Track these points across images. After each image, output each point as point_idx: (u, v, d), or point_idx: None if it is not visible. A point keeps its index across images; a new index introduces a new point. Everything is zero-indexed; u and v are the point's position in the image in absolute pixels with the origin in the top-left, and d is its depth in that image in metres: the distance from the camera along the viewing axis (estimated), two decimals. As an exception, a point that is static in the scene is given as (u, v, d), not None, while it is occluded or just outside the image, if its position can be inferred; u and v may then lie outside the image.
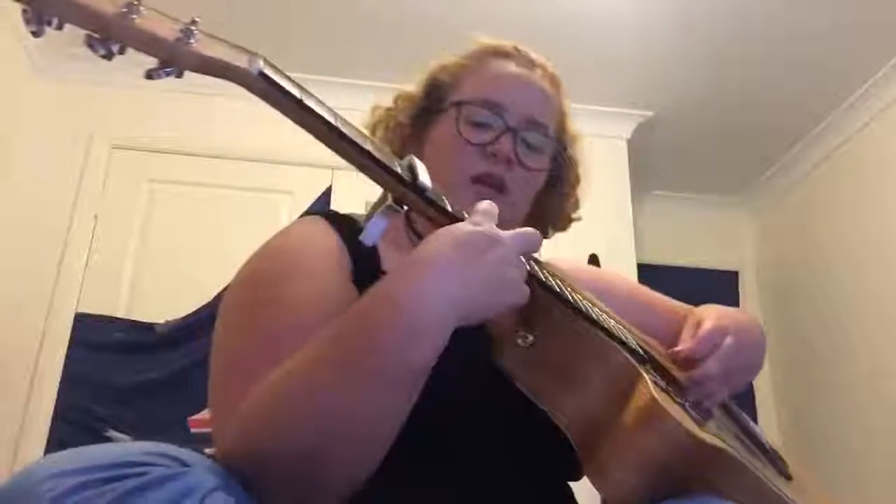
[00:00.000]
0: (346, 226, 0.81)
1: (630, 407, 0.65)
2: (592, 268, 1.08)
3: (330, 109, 0.57)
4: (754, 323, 0.92)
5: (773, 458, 0.87)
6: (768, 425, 3.59)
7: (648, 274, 2.97)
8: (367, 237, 0.62)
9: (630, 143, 3.36)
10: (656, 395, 0.64)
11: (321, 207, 2.63)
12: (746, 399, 3.54)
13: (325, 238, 0.78)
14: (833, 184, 3.38)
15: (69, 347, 2.61)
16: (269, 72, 0.53)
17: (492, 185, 0.84)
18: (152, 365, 2.53)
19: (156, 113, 2.97)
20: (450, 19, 2.62)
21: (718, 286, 3.74)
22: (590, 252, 3.00)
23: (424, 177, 0.62)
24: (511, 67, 0.92)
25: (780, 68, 2.99)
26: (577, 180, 0.98)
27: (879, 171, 3.08)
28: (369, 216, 0.62)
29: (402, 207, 0.63)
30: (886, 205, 3.02)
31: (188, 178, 2.93)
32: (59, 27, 0.46)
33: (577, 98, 3.74)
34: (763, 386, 3.68)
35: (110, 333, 2.63)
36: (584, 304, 0.72)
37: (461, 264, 0.60)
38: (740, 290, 3.89)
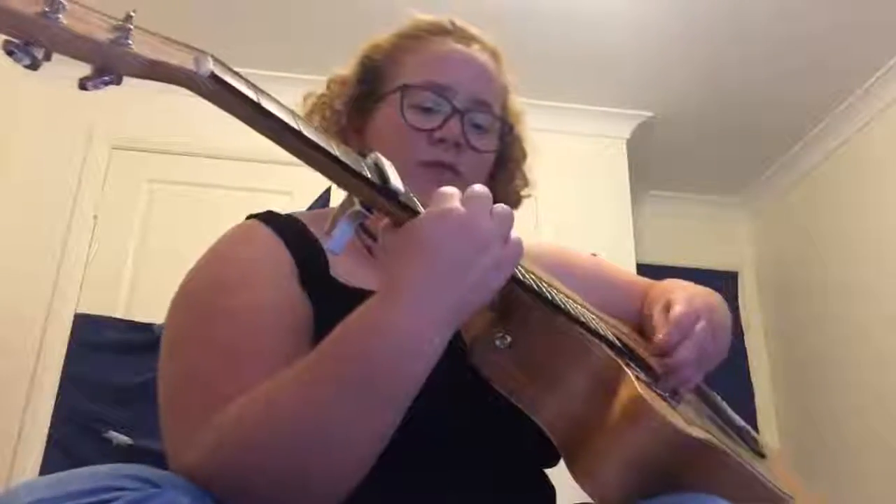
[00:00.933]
0: (288, 227, 0.79)
1: (615, 405, 0.64)
2: (552, 246, 1.02)
3: (289, 110, 0.53)
4: (720, 301, 0.90)
5: (745, 435, 0.86)
6: (768, 424, 3.59)
7: (648, 274, 2.96)
8: (335, 246, 0.58)
9: (630, 143, 3.36)
10: (642, 392, 0.63)
11: (321, 207, 2.62)
12: (746, 398, 3.54)
13: (269, 242, 0.76)
14: (833, 184, 3.37)
15: (69, 347, 2.61)
16: (220, 72, 0.48)
17: (442, 168, 0.82)
18: (152, 365, 2.48)
19: (156, 113, 2.97)
20: (443, 17, 2.62)
21: (718, 286, 3.71)
22: (590, 252, 3.00)
23: (396, 179, 0.58)
24: (451, 45, 0.87)
25: (779, 69, 2.99)
26: (523, 156, 0.95)
27: (879, 171, 3.08)
28: (334, 222, 0.58)
29: (371, 212, 0.58)
30: (886, 205, 3.02)
31: (188, 178, 2.93)
32: None
33: (577, 98, 3.73)
34: (763, 385, 3.68)
35: (110, 333, 2.63)
36: (562, 300, 0.70)
37: (447, 274, 0.57)
38: (740, 290, 3.88)
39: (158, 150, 2.96)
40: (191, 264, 0.79)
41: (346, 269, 0.77)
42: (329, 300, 0.73)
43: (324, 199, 2.85)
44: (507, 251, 0.60)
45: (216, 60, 0.48)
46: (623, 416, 0.63)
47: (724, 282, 3.83)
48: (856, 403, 3.09)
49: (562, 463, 0.69)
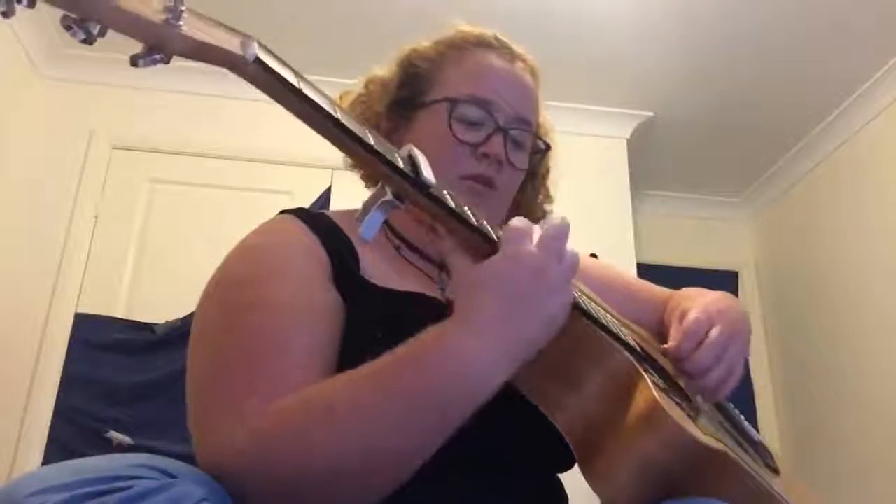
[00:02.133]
0: (322, 224, 0.80)
1: (632, 409, 0.64)
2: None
3: (328, 98, 0.54)
4: (735, 303, 0.90)
5: (760, 451, 0.86)
6: (768, 424, 3.59)
7: (648, 274, 2.96)
8: (366, 232, 0.59)
9: (630, 143, 3.36)
10: (658, 398, 0.63)
11: (320, 207, 2.62)
12: (745, 398, 3.54)
13: (303, 237, 0.77)
14: (833, 184, 3.37)
15: (69, 347, 2.61)
16: (264, 57, 0.50)
17: (483, 183, 0.84)
18: (152, 365, 2.53)
19: (156, 113, 2.97)
20: (447, 17, 2.61)
21: (718, 286, 3.69)
22: (590, 252, 3.00)
23: (428, 172, 0.59)
24: (496, 60, 0.89)
25: (779, 69, 2.99)
26: (548, 172, 0.98)
27: (879, 171, 3.08)
28: (366, 209, 0.60)
29: (402, 202, 0.60)
30: (886, 205, 3.02)
31: (188, 178, 2.93)
32: (31, 4, 0.41)
33: (577, 98, 3.73)
34: (763, 385, 3.68)
35: (110, 333, 2.63)
36: (586, 302, 0.71)
37: (518, 317, 0.60)
38: (740, 290, 3.88)
39: (158, 150, 2.96)
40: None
41: (375, 268, 0.79)
42: (359, 299, 0.74)
43: (324, 198, 2.86)
44: (568, 297, 0.64)
45: (261, 46, 0.50)
46: (639, 421, 0.64)
47: (724, 282, 3.83)
48: (856, 403, 3.09)
49: (572, 469, 0.69)
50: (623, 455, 0.64)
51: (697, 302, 0.83)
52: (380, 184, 0.60)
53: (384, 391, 0.58)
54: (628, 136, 3.36)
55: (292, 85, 0.51)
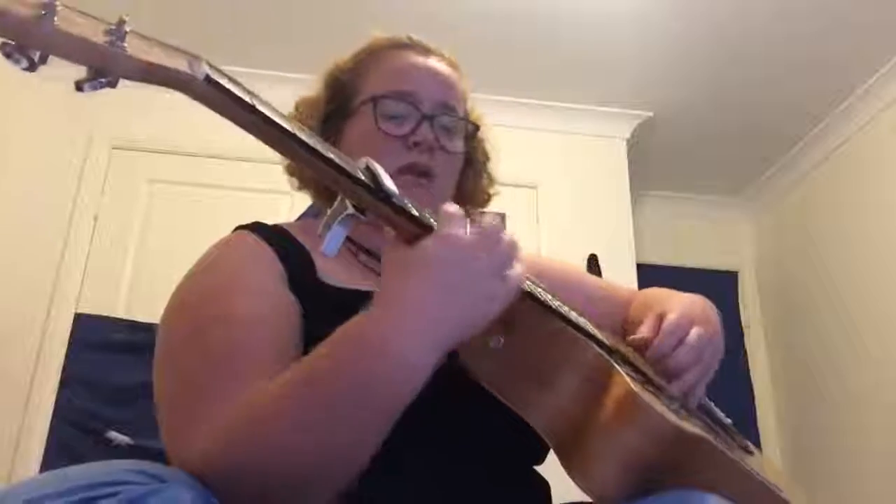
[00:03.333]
0: (274, 234, 0.82)
1: (609, 402, 0.64)
2: (529, 255, 1.07)
3: (282, 114, 0.53)
4: (711, 308, 0.91)
5: (731, 432, 0.87)
6: (768, 424, 3.60)
7: (648, 274, 2.97)
8: (328, 248, 0.58)
9: (630, 143, 3.36)
10: (634, 388, 0.63)
11: (319, 209, 2.62)
12: (744, 398, 3.54)
13: (258, 249, 0.79)
14: (833, 184, 3.38)
15: (69, 347, 2.61)
16: (215, 76, 0.49)
17: (419, 174, 0.85)
18: (152, 365, 2.53)
19: (156, 113, 2.97)
20: (445, 18, 2.62)
21: (718, 286, 3.74)
22: (590, 252, 3.00)
23: (388, 182, 0.59)
24: (412, 56, 0.92)
25: (780, 68, 2.99)
26: (487, 157, 1.00)
27: (879, 171, 3.08)
28: (328, 225, 0.58)
29: (364, 215, 0.59)
30: (886, 205, 3.02)
31: (188, 178, 2.93)
32: None
33: (577, 98, 3.73)
34: (763, 385, 3.68)
35: (110, 333, 2.63)
36: (553, 301, 0.71)
37: (443, 299, 0.59)
38: (740, 290, 3.89)
39: (158, 150, 2.96)
40: (191, 264, 0.81)
41: (333, 271, 0.80)
42: (318, 300, 0.75)
43: (324, 199, 2.85)
44: (507, 286, 0.62)
45: (210, 65, 0.48)
46: (618, 412, 0.63)
47: (724, 282, 3.83)
48: (856, 403, 3.09)
49: (553, 458, 0.69)
50: (604, 448, 0.64)
51: (674, 303, 0.84)
52: (339, 198, 0.59)
53: (308, 395, 0.58)
54: (628, 136, 3.36)
55: (245, 102, 0.50)
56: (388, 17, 2.69)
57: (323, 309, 0.73)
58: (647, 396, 0.64)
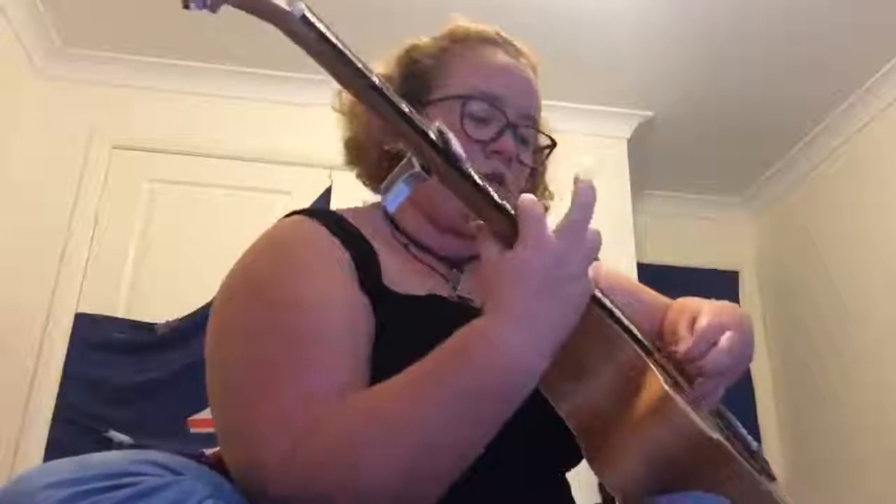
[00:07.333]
0: (339, 226, 0.79)
1: (640, 400, 0.65)
2: None
3: (365, 64, 0.55)
4: (745, 315, 0.91)
5: (758, 459, 0.87)
6: (767, 424, 3.60)
7: (648, 274, 2.97)
8: (390, 203, 0.59)
9: (630, 143, 3.36)
10: (668, 389, 0.64)
11: (321, 207, 2.63)
12: (745, 398, 3.54)
13: (325, 239, 0.76)
14: (833, 184, 3.38)
15: (69, 347, 2.61)
16: (310, 16, 0.51)
17: (496, 181, 0.84)
18: (152, 365, 2.53)
19: (156, 113, 2.98)
20: (445, 12, 2.61)
21: (718, 286, 3.74)
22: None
23: (457, 146, 0.60)
24: (502, 56, 0.89)
25: (780, 68, 2.99)
26: (545, 169, 0.99)
27: (879, 171, 3.08)
28: (392, 181, 0.59)
29: (429, 175, 0.59)
30: (886, 205, 3.02)
31: (188, 178, 2.93)
32: None
33: (577, 98, 3.71)
34: (762, 384, 3.68)
35: (110, 333, 2.63)
36: (598, 293, 0.71)
37: (548, 306, 0.62)
38: (740, 290, 3.88)
39: (158, 150, 2.96)
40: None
41: (394, 272, 0.79)
42: (385, 308, 0.74)
43: (324, 198, 2.85)
44: (590, 280, 0.66)
45: (308, 6, 0.50)
46: (649, 411, 0.65)
47: (724, 282, 3.83)
48: (856, 403, 3.09)
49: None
50: (631, 444, 0.65)
51: (707, 308, 0.84)
52: (406, 157, 0.59)
53: (433, 397, 0.59)
54: (628, 136, 3.36)
55: (334, 45, 0.52)
56: (382, 13, 2.69)
57: (393, 317, 0.73)
58: (679, 399, 0.65)
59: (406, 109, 0.56)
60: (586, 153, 3.25)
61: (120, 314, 2.68)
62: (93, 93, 2.94)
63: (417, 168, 0.59)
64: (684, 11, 2.74)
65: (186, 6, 0.47)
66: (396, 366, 0.62)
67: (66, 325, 2.63)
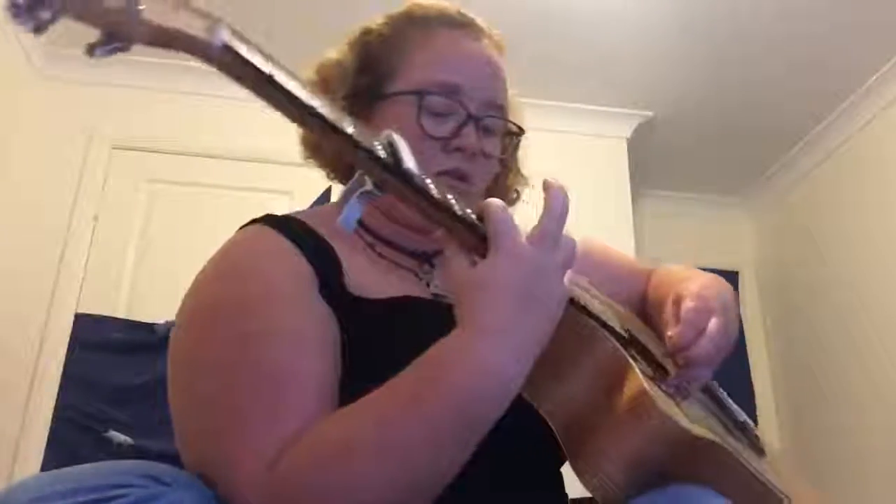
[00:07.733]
0: (300, 232, 0.75)
1: (619, 399, 0.64)
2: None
3: (302, 85, 0.50)
4: (728, 289, 0.88)
5: (746, 431, 0.85)
6: (768, 424, 3.59)
7: (648, 274, 2.96)
8: (346, 224, 0.57)
9: (630, 143, 3.36)
10: (647, 388, 0.63)
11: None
12: (746, 398, 3.54)
13: (287, 252, 0.73)
14: (834, 183, 3.37)
15: (69, 347, 2.61)
16: (234, 43, 0.45)
17: (458, 178, 0.80)
18: (152, 365, 2.52)
19: (156, 113, 2.97)
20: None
21: (718, 286, 3.74)
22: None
23: (409, 161, 0.56)
24: (463, 42, 0.84)
25: (780, 68, 2.99)
26: (516, 154, 0.93)
27: (880, 171, 3.08)
28: (345, 199, 0.57)
29: (382, 192, 0.56)
30: (887, 204, 3.02)
31: (188, 178, 2.93)
32: None
33: (577, 98, 3.71)
34: (763, 384, 3.68)
35: (110, 333, 2.63)
36: (575, 291, 0.69)
37: (525, 315, 0.59)
38: (740, 290, 3.88)
39: (158, 150, 2.96)
40: (191, 264, 0.77)
41: (358, 274, 0.76)
42: (350, 315, 0.72)
43: (324, 198, 2.85)
44: (566, 285, 0.63)
45: (231, 30, 0.45)
46: (627, 410, 0.63)
47: (724, 282, 3.83)
48: (856, 402, 3.09)
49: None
50: (612, 445, 0.64)
51: (692, 289, 0.81)
52: (358, 173, 0.56)
53: (410, 421, 0.57)
54: (628, 136, 3.36)
55: (262, 73, 0.47)
56: (376, 13, 2.68)
57: (354, 321, 0.71)
58: (658, 395, 0.64)
59: (350, 131, 0.52)
60: (586, 153, 3.26)
61: (119, 314, 2.68)
62: (92, 93, 2.94)
63: (370, 186, 0.56)
64: (684, 11, 2.74)
65: (91, 54, 0.41)
66: (372, 376, 0.60)
67: (66, 325, 2.63)
